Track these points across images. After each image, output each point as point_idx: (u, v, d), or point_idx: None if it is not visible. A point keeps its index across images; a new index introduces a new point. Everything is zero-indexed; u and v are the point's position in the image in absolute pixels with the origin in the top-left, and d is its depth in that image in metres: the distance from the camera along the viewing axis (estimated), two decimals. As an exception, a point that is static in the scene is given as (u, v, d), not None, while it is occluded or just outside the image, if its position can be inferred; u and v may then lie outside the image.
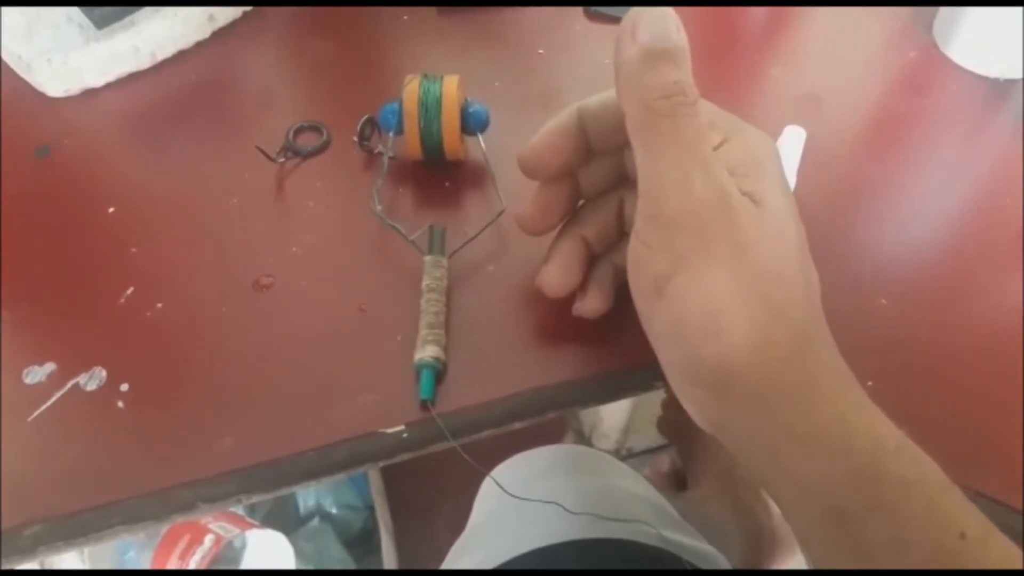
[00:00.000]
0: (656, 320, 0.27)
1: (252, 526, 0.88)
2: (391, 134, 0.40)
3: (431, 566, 0.56)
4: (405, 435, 0.33)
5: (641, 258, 0.27)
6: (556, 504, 0.45)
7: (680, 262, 0.26)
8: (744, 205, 0.26)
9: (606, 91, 0.30)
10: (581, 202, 0.35)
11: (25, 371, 0.34)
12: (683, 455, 0.87)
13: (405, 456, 0.33)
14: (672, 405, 0.86)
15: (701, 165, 0.25)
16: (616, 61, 0.26)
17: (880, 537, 0.24)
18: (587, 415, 1.20)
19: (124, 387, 0.34)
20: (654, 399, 1.00)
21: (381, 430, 0.33)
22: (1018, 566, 0.23)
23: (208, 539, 0.83)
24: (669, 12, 0.26)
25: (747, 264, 0.25)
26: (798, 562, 0.73)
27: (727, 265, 0.25)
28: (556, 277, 0.33)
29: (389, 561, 1.01)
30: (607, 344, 0.35)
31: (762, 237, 0.26)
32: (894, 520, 0.24)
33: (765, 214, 0.26)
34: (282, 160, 0.42)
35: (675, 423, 0.87)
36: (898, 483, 0.24)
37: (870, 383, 0.34)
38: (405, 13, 0.51)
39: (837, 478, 0.24)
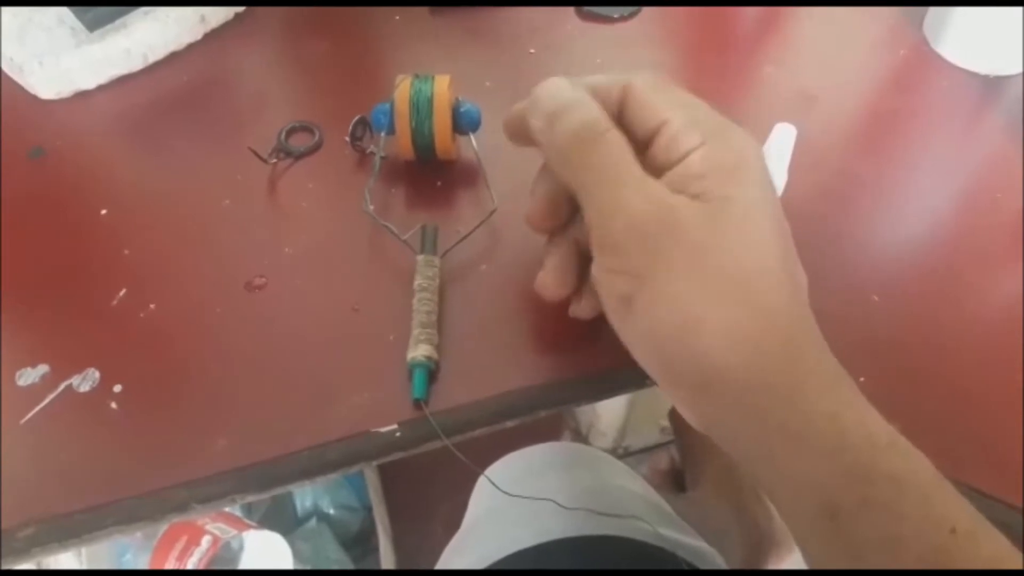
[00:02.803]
0: (629, 333, 0.28)
1: (249, 527, 0.88)
2: (383, 134, 0.40)
3: (429, 566, 0.56)
4: (398, 434, 0.33)
5: (603, 282, 0.28)
6: (551, 501, 0.45)
7: (639, 279, 0.26)
8: (694, 211, 0.26)
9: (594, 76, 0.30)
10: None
11: (18, 373, 0.34)
12: (684, 453, 0.87)
13: (398, 455, 0.33)
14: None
15: (629, 185, 0.26)
16: (533, 133, 0.29)
17: (873, 534, 0.24)
18: (584, 414, 1.20)
19: (117, 388, 0.34)
20: (651, 398, 1.00)
21: (374, 429, 0.33)
22: (1008, 559, 0.24)
23: (205, 540, 0.83)
24: (557, 79, 0.29)
25: (708, 267, 0.26)
26: (797, 564, 0.73)
27: (687, 272, 0.26)
28: (552, 282, 0.33)
29: (387, 562, 1.01)
30: (599, 342, 0.35)
31: (723, 239, 0.26)
32: (886, 517, 0.24)
33: (728, 216, 0.26)
34: (274, 161, 0.42)
35: (681, 426, 0.87)
36: (890, 480, 0.24)
37: (862, 379, 0.34)
38: (397, 13, 0.51)
39: (829, 476, 0.25)
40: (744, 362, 0.25)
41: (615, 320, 0.29)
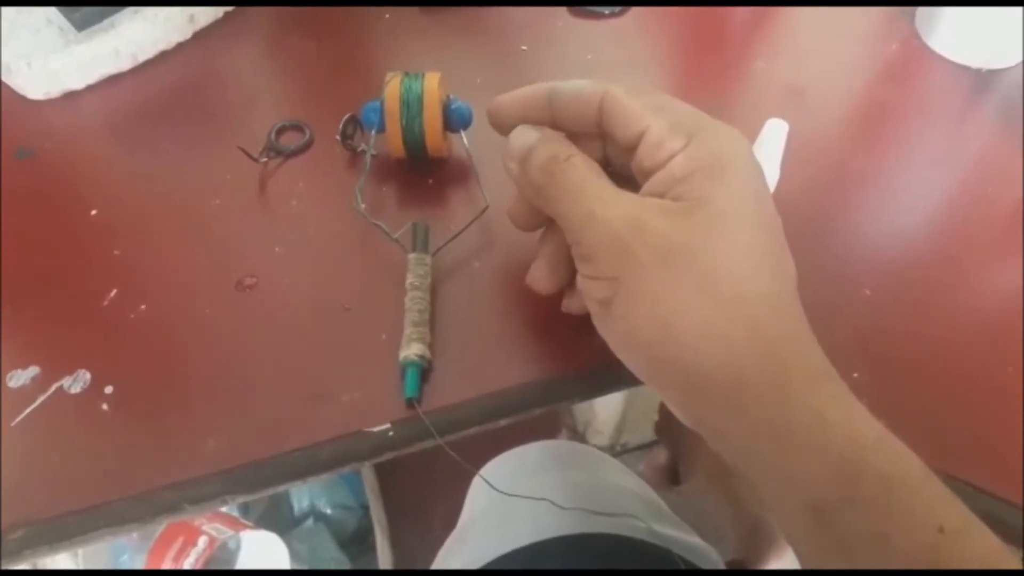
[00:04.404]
0: (611, 336, 0.29)
1: (246, 527, 0.88)
2: (373, 132, 0.39)
3: (426, 565, 0.56)
4: (391, 434, 0.33)
5: (586, 288, 0.29)
6: (546, 500, 0.45)
7: (615, 284, 0.27)
8: (665, 214, 0.26)
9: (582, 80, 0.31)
10: None
11: (9, 375, 0.34)
12: (676, 446, 0.87)
13: (391, 455, 0.33)
14: (666, 408, 0.86)
15: (597, 199, 0.28)
16: (510, 175, 0.32)
17: (859, 532, 0.24)
18: (581, 411, 1.21)
19: (108, 389, 0.34)
20: (648, 394, 1.00)
21: (367, 429, 0.32)
22: (999, 558, 0.23)
23: (202, 540, 0.82)
24: (522, 127, 0.32)
25: (679, 268, 0.26)
26: (794, 558, 0.73)
27: (659, 273, 0.26)
28: (545, 275, 0.33)
29: (384, 561, 1.01)
30: (594, 338, 0.34)
31: (694, 239, 0.26)
32: (873, 515, 0.24)
33: (702, 216, 0.26)
34: (265, 160, 0.42)
35: (669, 426, 0.87)
36: (877, 478, 0.24)
37: (855, 375, 0.34)
38: (387, 12, 0.51)
39: (814, 474, 0.25)
40: (720, 360, 0.26)
41: (598, 324, 0.29)
